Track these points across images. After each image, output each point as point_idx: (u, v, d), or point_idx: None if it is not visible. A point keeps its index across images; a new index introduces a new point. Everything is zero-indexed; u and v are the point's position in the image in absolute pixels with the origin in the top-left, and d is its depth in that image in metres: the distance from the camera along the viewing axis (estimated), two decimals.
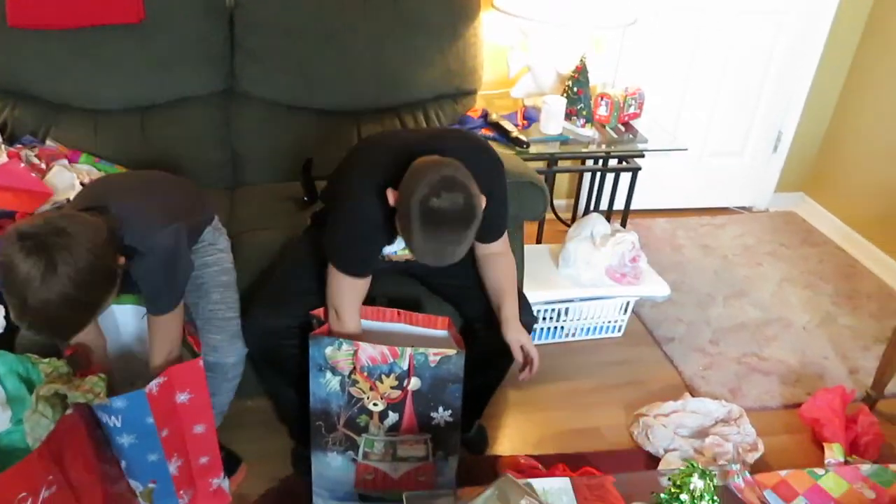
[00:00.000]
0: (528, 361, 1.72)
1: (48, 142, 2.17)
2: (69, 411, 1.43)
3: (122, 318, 1.72)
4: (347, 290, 1.63)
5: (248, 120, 2.35)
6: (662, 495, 1.07)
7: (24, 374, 1.47)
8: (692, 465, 1.04)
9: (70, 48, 2.16)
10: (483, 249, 1.78)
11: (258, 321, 1.71)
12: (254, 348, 1.74)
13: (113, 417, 1.47)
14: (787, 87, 3.17)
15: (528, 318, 1.80)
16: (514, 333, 1.72)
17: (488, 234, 1.72)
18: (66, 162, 2.03)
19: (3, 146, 2.01)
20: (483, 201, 1.47)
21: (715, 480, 1.03)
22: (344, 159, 1.74)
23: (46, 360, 1.48)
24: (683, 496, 1.02)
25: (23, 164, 1.95)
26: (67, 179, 1.94)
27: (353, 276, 1.61)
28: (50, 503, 1.39)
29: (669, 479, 1.06)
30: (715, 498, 1.04)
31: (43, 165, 2.00)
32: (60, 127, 2.21)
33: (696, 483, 1.02)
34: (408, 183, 1.44)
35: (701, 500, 1.02)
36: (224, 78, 2.33)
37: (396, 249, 1.73)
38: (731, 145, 3.30)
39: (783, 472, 1.94)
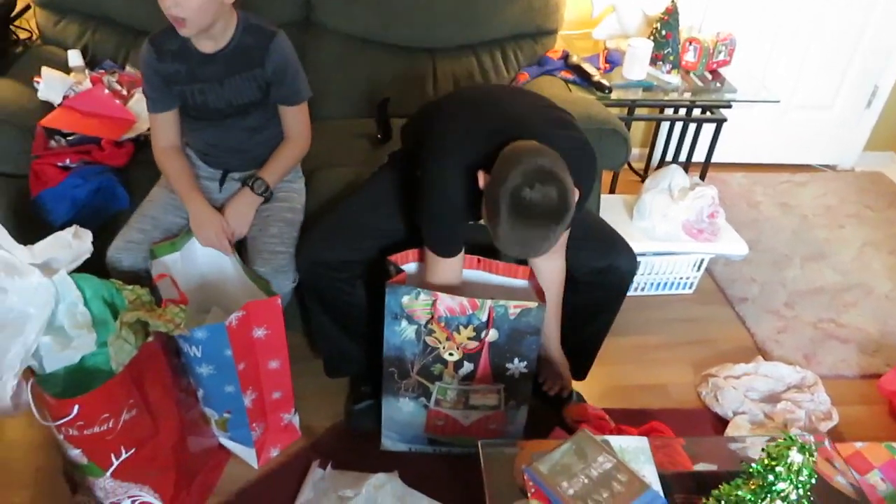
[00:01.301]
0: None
1: (128, 68, 2.18)
2: (150, 339, 1.46)
3: (203, 250, 1.74)
4: (440, 270, 1.61)
5: (323, 53, 2.31)
6: (755, 465, 1.04)
7: (109, 298, 1.50)
8: (790, 437, 0.99)
9: None
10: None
11: (310, 249, 1.69)
12: (302, 277, 1.72)
13: (194, 347, 1.50)
14: (888, 38, 2.95)
15: (630, 264, 1.77)
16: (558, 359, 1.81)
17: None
18: None
19: (86, 71, 2.02)
20: (576, 196, 1.39)
21: (814, 456, 0.99)
22: (435, 108, 1.65)
23: (130, 287, 1.50)
24: (779, 468, 0.98)
25: (106, 90, 1.96)
26: None
27: (447, 256, 1.59)
28: (130, 425, 1.44)
29: (764, 449, 1.02)
30: (814, 473, 1.00)
31: (124, 91, 2.01)
32: (139, 52, 2.19)
33: (795, 457, 0.98)
34: (500, 168, 1.35)
35: (799, 475, 0.98)
36: (300, 7, 2.28)
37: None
38: (821, 98, 3.11)
39: (858, 444, 1.87)
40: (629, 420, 1.89)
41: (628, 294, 2.39)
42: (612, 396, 2.05)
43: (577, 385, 1.99)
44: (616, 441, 1.36)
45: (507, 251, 1.43)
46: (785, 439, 0.99)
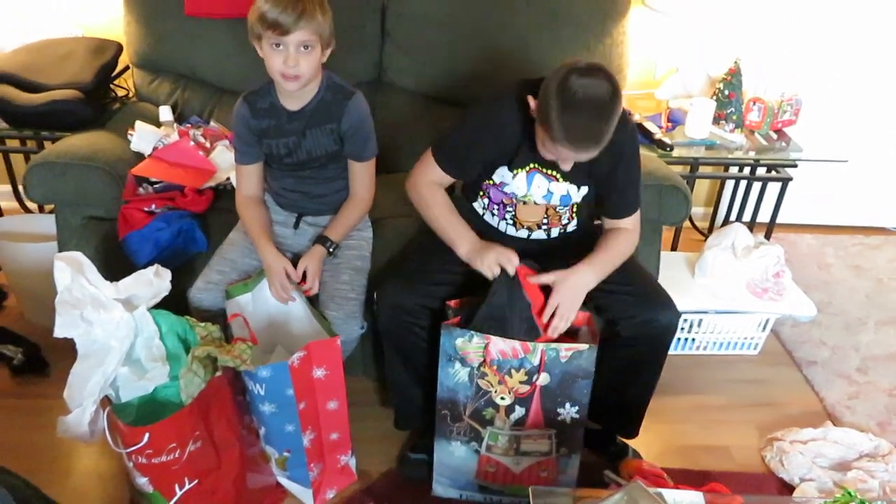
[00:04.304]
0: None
1: (212, 123, 2.34)
2: (218, 374, 1.53)
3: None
4: (427, 170, 1.77)
5: (392, 110, 2.42)
6: None
7: (183, 334, 1.59)
8: (849, 493, 0.96)
9: (235, 36, 2.30)
10: (610, 224, 1.77)
11: (391, 296, 1.71)
12: (383, 323, 1.74)
13: (258, 385, 1.56)
14: None
15: (670, 318, 1.71)
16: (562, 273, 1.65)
17: (618, 203, 1.75)
18: (227, 142, 2.18)
19: (175, 125, 2.18)
20: (622, 105, 1.48)
21: None
22: None
23: (202, 324, 1.59)
24: None
25: (191, 143, 2.11)
26: (228, 159, 2.08)
27: (437, 161, 1.74)
28: (195, 456, 1.50)
29: None
30: None
31: (208, 144, 2.15)
32: (223, 109, 2.37)
33: None
34: (550, 76, 1.48)
35: None
36: (373, 68, 2.42)
37: (519, 192, 1.73)
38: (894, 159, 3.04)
39: None
40: (688, 481, 1.83)
41: (690, 352, 2.39)
42: (672, 456, 2.00)
43: (635, 442, 1.96)
44: (670, 495, 1.34)
45: (561, 143, 1.47)
46: (844, 494, 0.97)
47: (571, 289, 1.63)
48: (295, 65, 1.62)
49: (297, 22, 1.57)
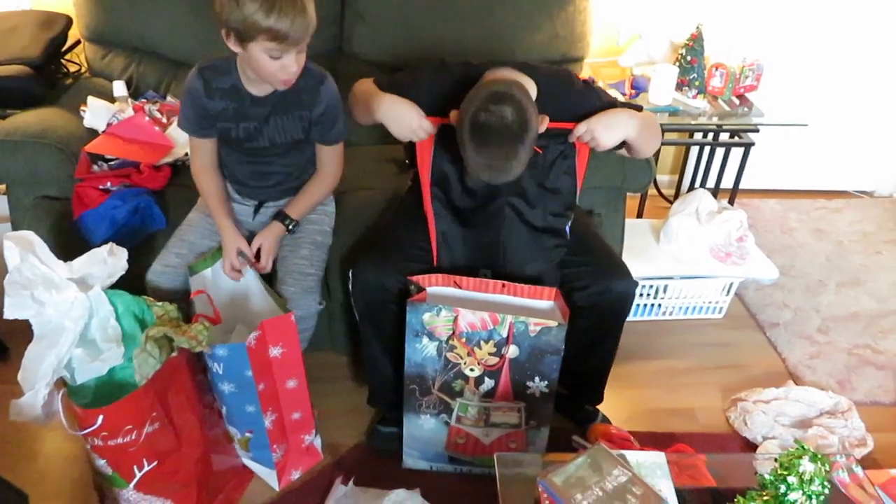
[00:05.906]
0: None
1: (168, 97, 2.28)
2: (174, 354, 1.50)
3: None
4: (365, 85, 1.74)
5: (354, 81, 2.36)
6: (768, 476, 1.02)
7: (140, 314, 1.56)
8: (802, 447, 0.98)
9: (191, 8, 2.25)
10: None
11: (368, 273, 1.68)
12: (360, 301, 1.72)
13: (216, 364, 1.54)
14: None
15: (625, 287, 1.72)
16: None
17: None
18: None
19: (129, 100, 2.13)
20: (542, 121, 1.51)
21: (827, 465, 0.97)
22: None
23: (160, 303, 1.55)
24: (791, 478, 0.96)
25: (147, 118, 2.06)
26: (186, 134, 2.03)
27: (377, 85, 1.71)
28: (153, 438, 1.48)
29: (776, 459, 1.01)
30: (826, 483, 0.98)
31: (164, 119, 2.10)
32: (179, 83, 2.31)
33: (806, 466, 0.96)
34: (464, 102, 1.49)
35: (810, 484, 0.96)
36: (333, 38, 2.37)
37: None
38: (856, 123, 3.07)
39: (893, 471, 1.81)
40: (655, 443, 1.86)
41: (656, 318, 2.41)
42: (639, 419, 2.02)
43: (602, 406, 1.98)
44: (632, 456, 1.35)
45: (479, 176, 1.51)
46: (797, 448, 0.98)
47: (607, 115, 1.59)
48: (296, 69, 1.56)
49: (306, 32, 1.50)
